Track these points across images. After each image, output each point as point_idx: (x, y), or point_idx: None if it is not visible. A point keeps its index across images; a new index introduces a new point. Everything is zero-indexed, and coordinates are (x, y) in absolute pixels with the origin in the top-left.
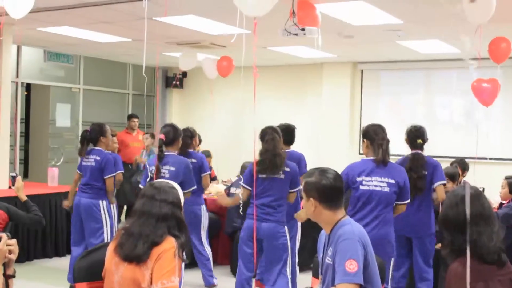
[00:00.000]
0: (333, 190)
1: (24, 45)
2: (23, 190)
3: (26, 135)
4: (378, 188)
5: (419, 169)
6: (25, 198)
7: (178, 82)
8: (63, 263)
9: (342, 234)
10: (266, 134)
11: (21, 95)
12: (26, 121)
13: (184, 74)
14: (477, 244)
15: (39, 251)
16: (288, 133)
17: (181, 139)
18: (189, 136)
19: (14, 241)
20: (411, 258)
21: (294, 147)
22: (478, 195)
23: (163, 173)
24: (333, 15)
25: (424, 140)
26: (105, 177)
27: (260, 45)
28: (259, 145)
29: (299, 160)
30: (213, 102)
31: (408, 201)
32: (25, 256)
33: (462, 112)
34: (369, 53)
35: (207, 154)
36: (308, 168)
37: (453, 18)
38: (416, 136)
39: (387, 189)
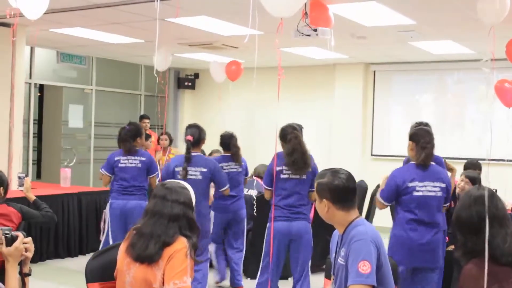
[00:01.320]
0: (346, 190)
1: (37, 46)
2: (30, 190)
3: (39, 136)
4: (432, 194)
5: None
6: (34, 198)
7: (190, 83)
8: (75, 263)
9: (355, 234)
10: (288, 133)
11: (34, 96)
12: (39, 122)
13: (196, 75)
14: (491, 246)
15: (51, 252)
16: None
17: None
18: None
19: (29, 239)
20: None
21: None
22: (491, 197)
23: (194, 175)
24: (346, 16)
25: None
26: (150, 176)
27: (272, 46)
28: (279, 145)
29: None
30: (225, 103)
31: (448, 204)
32: (37, 256)
33: (476, 113)
34: (382, 54)
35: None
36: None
37: (466, 18)
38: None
39: (440, 194)
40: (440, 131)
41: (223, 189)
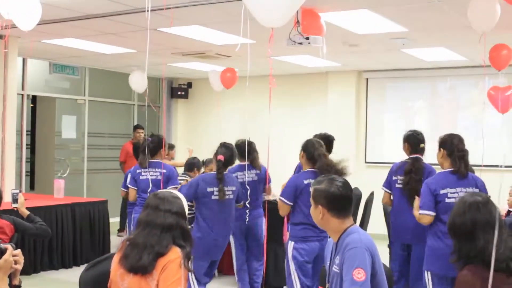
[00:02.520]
0: (342, 198)
1: (30, 58)
2: (24, 206)
3: (32, 147)
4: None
5: (420, 172)
6: (28, 213)
7: (183, 93)
8: (70, 275)
9: (350, 242)
10: (315, 149)
11: (26, 107)
12: (32, 133)
13: (189, 85)
14: (485, 252)
15: (45, 263)
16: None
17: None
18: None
19: (19, 251)
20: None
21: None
22: (485, 203)
23: (228, 194)
24: (338, 24)
25: (425, 145)
26: (171, 187)
27: (265, 55)
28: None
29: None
30: (219, 112)
31: None
32: (32, 268)
33: (469, 119)
34: (374, 61)
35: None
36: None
37: (458, 25)
38: (419, 140)
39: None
40: (434, 138)
41: (240, 203)
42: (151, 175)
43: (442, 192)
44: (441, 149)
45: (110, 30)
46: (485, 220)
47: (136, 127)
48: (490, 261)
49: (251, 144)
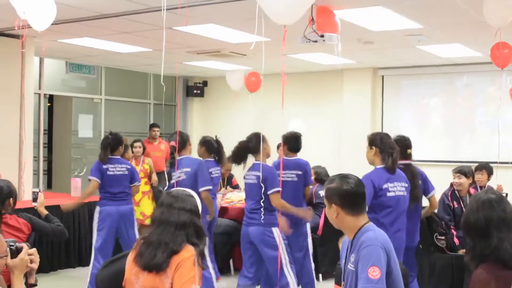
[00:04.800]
0: (355, 195)
1: (46, 57)
2: (44, 205)
3: (49, 146)
4: (401, 193)
5: (416, 178)
6: (46, 212)
7: (198, 91)
8: (87, 272)
9: (365, 240)
10: (393, 147)
11: (44, 107)
12: (49, 132)
13: (205, 83)
14: (500, 249)
15: (63, 261)
16: (293, 140)
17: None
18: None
19: (34, 250)
20: None
21: (317, 154)
22: (500, 200)
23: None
24: (352, 21)
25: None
26: (133, 185)
27: (279, 53)
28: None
29: (306, 167)
30: (235, 110)
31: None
32: (49, 266)
33: (485, 115)
34: (390, 58)
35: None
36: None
37: (473, 21)
38: (407, 146)
39: (406, 194)
40: (450, 134)
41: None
42: (118, 171)
43: (384, 186)
44: (373, 147)
45: (126, 29)
46: (499, 217)
47: (152, 126)
48: (504, 259)
49: (218, 142)
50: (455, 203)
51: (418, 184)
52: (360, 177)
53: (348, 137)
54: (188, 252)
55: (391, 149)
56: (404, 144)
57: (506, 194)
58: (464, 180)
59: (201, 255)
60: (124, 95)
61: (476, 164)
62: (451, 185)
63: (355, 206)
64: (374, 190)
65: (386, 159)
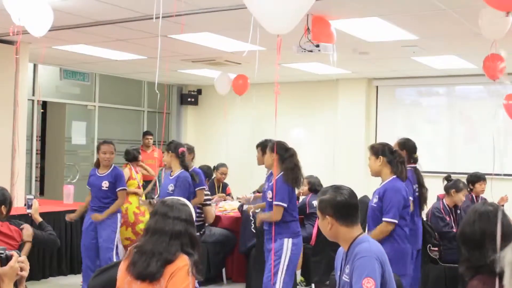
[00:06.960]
0: (349, 206)
1: (41, 63)
2: (38, 212)
3: (42, 152)
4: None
5: (423, 180)
6: (40, 220)
7: (193, 99)
8: (78, 280)
9: (359, 251)
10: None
11: (37, 113)
12: (42, 138)
13: (199, 91)
14: (494, 262)
15: (54, 269)
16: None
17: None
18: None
19: (24, 258)
20: None
21: (311, 163)
22: (496, 212)
23: None
24: (348, 32)
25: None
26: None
27: (274, 62)
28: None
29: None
30: (228, 119)
31: None
32: (40, 273)
33: (481, 127)
34: (384, 69)
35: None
36: (324, 185)
37: (468, 33)
38: (415, 149)
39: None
40: (445, 145)
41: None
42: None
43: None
44: (380, 157)
45: (121, 36)
46: (495, 229)
47: (145, 134)
48: (499, 271)
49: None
50: (447, 217)
51: (425, 186)
52: (353, 188)
53: (343, 146)
54: (183, 261)
55: (400, 158)
56: (413, 147)
57: (503, 205)
58: (463, 194)
59: (195, 265)
60: (118, 103)
61: (469, 174)
62: (439, 198)
63: (349, 217)
64: (404, 200)
65: (399, 168)
